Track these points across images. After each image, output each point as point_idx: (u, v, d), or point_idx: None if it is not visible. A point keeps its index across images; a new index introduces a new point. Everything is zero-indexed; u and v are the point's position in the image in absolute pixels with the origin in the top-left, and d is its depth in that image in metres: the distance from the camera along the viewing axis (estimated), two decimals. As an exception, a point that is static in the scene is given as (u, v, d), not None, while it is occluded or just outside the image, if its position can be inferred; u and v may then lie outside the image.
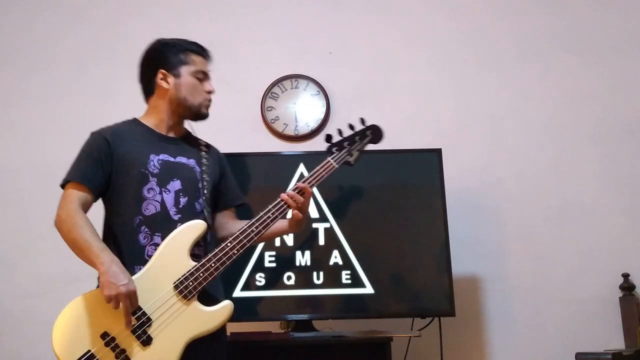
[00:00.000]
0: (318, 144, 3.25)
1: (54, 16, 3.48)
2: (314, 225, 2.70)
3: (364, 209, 2.75)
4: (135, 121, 2.10)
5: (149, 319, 1.80)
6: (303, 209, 2.02)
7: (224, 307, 1.89)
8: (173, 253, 1.88)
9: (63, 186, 1.97)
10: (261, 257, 2.66)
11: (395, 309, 2.72)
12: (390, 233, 2.72)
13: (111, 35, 3.45)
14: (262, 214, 1.96)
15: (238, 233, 1.92)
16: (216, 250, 1.89)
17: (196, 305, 1.84)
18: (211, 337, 1.88)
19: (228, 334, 2.57)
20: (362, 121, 2.22)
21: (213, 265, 1.87)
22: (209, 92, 2.10)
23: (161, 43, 2.11)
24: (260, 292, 2.64)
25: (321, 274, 2.65)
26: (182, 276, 1.84)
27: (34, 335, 3.02)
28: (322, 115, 3.30)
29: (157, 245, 1.90)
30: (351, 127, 2.18)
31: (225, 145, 3.03)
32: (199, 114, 2.09)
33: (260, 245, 2.68)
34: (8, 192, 3.25)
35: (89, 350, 1.76)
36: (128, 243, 1.92)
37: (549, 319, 3.01)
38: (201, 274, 1.85)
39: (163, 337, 1.80)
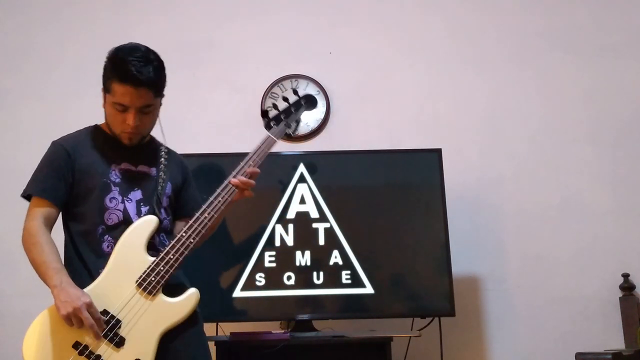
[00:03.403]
0: (318, 144, 3.26)
1: (55, 17, 3.48)
2: (314, 225, 2.71)
3: (364, 209, 2.75)
4: (96, 129, 2.06)
5: (118, 321, 1.80)
6: (252, 188, 2.06)
7: (190, 295, 1.90)
8: (130, 251, 1.88)
9: (26, 197, 1.98)
10: (261, 257, 2.67)
11: (395, 309, 2.72)
12: (390, 233, 2.73)
13: (111, 35, 3.43)
14: (212, 199, 1.98)
15: (192, 222, 1.93)
16: (173, 242, 1.90)
17: (161, 298, 1.86)
18: (185, 325, 1.88)
19: (228, 333, 2.59)
20: (295, 92, 2.30)
21: (172, 257, 1.87)
22: (128, 126, 1.92)
23: (107, 58, 1.95)
24: (260, 292, 2.64)
25: (321, 274, 2.65)
26: (143, 273, 1.85)
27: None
28: (322, 115, 3.29)
29: None
30: (285, 99, 2.25)
31: (226, 145, 3.06)
32: (122, 142, 2.00)
33: (260, 245, 2.68)
34: (8, 192, 3.23)
35: None
36: (91, 251, 1.91)
37: (549, 319, 3.01)
38: (162, 268, 1.86)
39: (135, 335, 1.80)
